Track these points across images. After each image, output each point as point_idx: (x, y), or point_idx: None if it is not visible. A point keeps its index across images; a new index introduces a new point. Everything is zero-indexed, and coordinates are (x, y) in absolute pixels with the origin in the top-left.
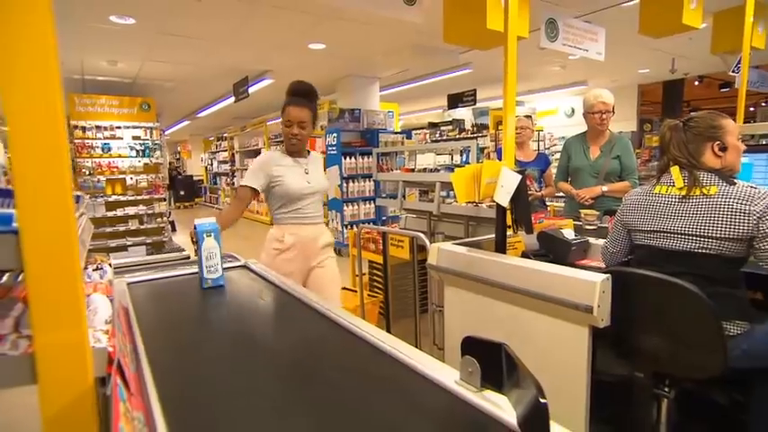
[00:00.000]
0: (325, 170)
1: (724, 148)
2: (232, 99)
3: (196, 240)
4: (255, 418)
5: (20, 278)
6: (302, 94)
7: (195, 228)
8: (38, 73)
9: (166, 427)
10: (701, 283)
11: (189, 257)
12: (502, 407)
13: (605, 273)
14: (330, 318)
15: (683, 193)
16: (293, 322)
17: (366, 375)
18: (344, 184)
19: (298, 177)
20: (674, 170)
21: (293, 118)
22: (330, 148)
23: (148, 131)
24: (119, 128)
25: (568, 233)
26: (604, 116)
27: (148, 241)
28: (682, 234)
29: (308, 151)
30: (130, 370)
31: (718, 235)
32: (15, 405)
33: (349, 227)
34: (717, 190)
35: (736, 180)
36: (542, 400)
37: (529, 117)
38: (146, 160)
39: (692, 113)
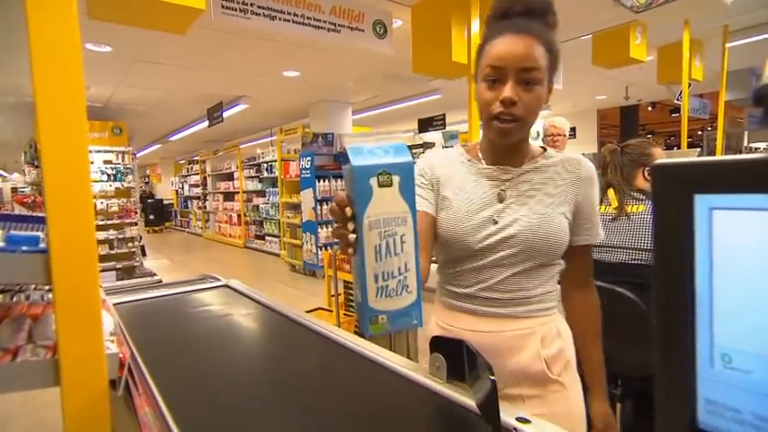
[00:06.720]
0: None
1: None
2: (205, 123)
3: (349, 198)
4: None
5: (15, 299)
6: (530, 12)
7: (351, 162)
8: (69, 122)
9: (174, 422)
10: (637, 290)
11: (161, 281)
12: (465, 394)
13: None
14: (314, 329)
15: (617, 211)
16: (280, 335)
17: (351, 376)
18: (318, 207)
19: (471, 205)
20: (610, 192)
21: (507, 58)
22: (304, 172)
23: (120, 155)
24: (89, 152)
25: None
26: (556, 138)
27: (119, 266)
28: (618, 248)
29: (544, 149)
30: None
31: (647, 247)
32: None
33: (323, 248)
34: (644, 207)
35: None
36: (491, 377)
37: None
38: (117, 184)
39: (628, 141)
